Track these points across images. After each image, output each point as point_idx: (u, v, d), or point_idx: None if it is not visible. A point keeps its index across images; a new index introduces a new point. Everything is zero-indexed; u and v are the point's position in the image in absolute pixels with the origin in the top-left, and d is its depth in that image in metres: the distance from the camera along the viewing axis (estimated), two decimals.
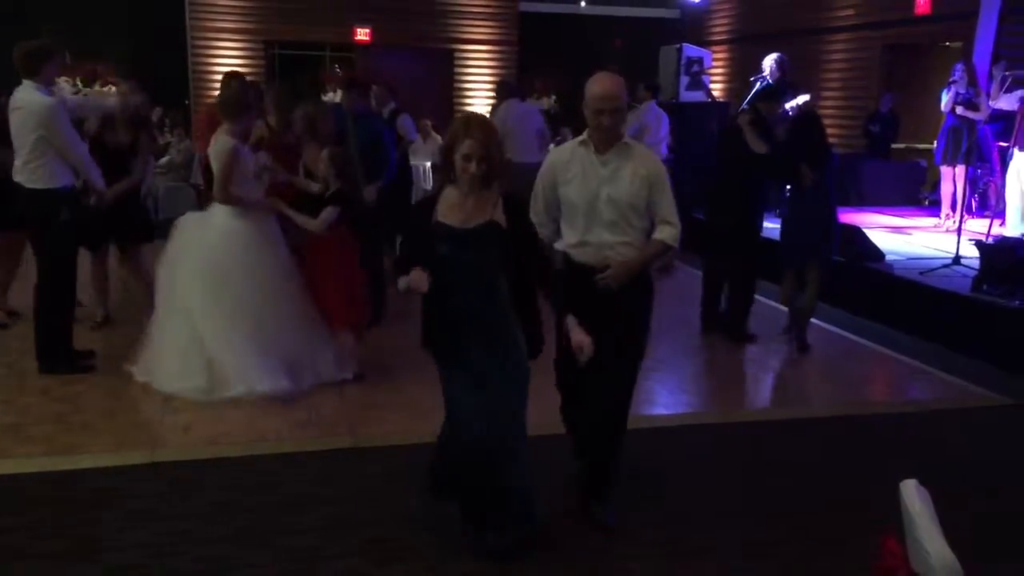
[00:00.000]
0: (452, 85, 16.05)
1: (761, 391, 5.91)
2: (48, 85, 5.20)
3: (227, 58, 14.90)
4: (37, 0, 12.80)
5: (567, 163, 3.55)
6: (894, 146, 12.00)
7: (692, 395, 5.64)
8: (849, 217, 9.26)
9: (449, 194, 3.23)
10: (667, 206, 3.57)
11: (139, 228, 6.38)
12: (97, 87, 10.86)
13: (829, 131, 13.21)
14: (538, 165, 5.87)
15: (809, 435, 4.88)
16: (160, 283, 5.21)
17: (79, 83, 10.51)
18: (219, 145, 5.07)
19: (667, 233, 3.59)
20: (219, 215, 5.15)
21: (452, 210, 3.19)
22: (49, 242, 5.26)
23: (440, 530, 3.55)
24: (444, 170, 3.23)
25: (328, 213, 5.11)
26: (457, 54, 16.08)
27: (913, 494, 1.96)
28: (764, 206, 6.64)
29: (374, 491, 3.94)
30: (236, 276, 5.02)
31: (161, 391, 5.02)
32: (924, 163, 11.71)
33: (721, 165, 6.55)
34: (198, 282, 5.02)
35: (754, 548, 3.61)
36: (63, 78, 10.81)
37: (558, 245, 3.64)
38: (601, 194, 3.50)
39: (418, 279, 3.07)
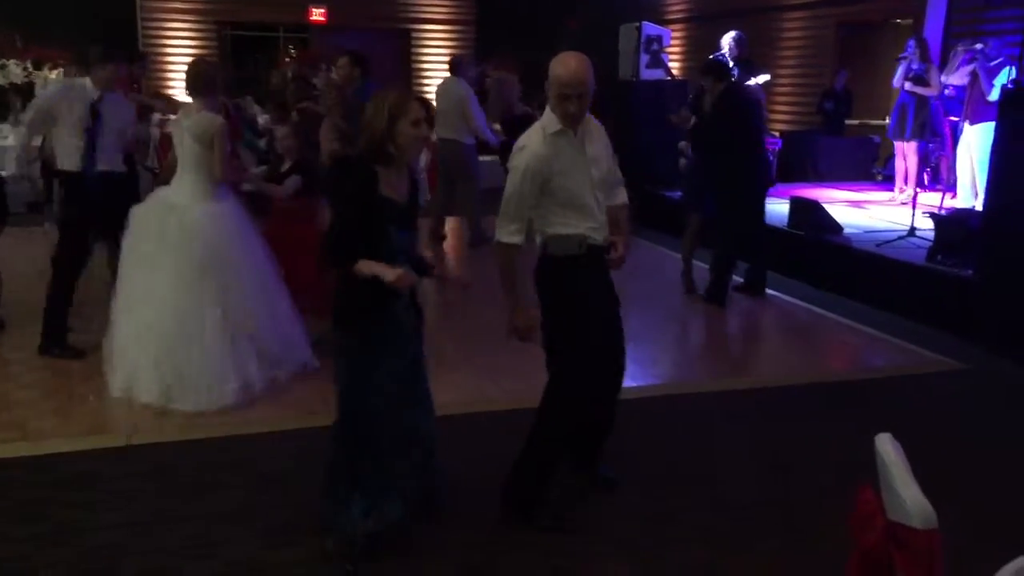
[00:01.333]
0: (410, 65, 15.98)
1: (725, 363, 6.03)
2: (102, 87, 5.31)
3: (178, 39, 14.67)
4: None
5: (554, 157, 3.37)
6: (848, 122, 12.21)
7: (660, 367, 5.73)
8: (807, 192, 9.43)
9: (379, 170, 3.12)
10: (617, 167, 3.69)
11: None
12: (47, 71, 10.61)
13: (785, 108, 13.51)
14: (457, 144, 5.70)
15: (774, 403, 5.00)
16: (124, 281, 4.81)
17: (30, 66, 10.27)
18: (207, 122, 4.75)
19: (625, 194, 3.72)
20: (197, 203, 4.79)
21: (389, 184, 3.12)
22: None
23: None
24: (379, 147, 3.07)
25: (292, 181, 5.25)
26: (414, 34, 16.02)
27: (888, 445, 2.05)
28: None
29: None
30: (219, 265, 4.72)
31: (141, 401, 4.65)
32: (877, 139, 11.94)
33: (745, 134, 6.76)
34: (180, 278, 4.67)
35: (729, 511, 3.72)
36: (13, 61, 10.54)
37: (565, 230, 3.45)
38: (594, 176, 3.47)
39: (405, 275, 3.02)
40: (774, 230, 8.02)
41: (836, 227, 7.65)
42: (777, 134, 12.17)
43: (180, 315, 4.63)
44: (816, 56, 13.09)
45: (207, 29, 15.00)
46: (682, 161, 9.17)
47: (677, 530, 3.57)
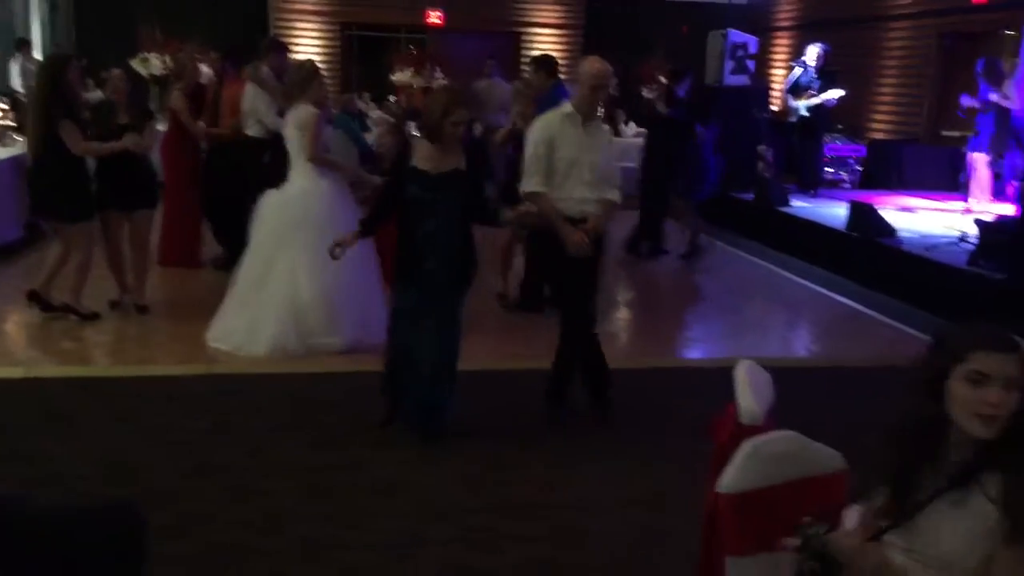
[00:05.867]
0: (518, 68, 16.68)
1: (752, 342, 6.48)
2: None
3: (306, 39, 15.85)
4: None
5: (560, 131, 4.26)
6: (945, 133, 12.13)
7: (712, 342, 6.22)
8: (874, 198, 9.58)
9: (422, 146, 4.09)
10: (617, 172, 4.42)
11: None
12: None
13: (884, 118, 13.49)
14: None
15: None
16: (247, 255, 5.53)
17: (168, 60, 11.43)
18: (302, 112, 5.39)
19: (616, 194, 4.37)
20: (296, 180, 5.47)
21: (426, 160, 4.04)
22: None
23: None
24: (429, 128, 4.03)
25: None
26: (523, 37, 16.71)
27: (742, 369, 2.57)
28: None
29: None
30: (314, 230, 5.26)
31: (243, 354, 5.36)
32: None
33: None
34: (281, 240, 5.38)
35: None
36: (153, 53, 11.71)
37: None
38: (583, 159, 4.24)
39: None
40: (831, 231, 8.33)
41: (889, 230, 7.88)
42: (865, 142, 12.27)
43: (259, 266, 5.41)
44: (918, 66, 13.07)
45: (332, 30, 16.14)
46: (760, 164, 9.56)
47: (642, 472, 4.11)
